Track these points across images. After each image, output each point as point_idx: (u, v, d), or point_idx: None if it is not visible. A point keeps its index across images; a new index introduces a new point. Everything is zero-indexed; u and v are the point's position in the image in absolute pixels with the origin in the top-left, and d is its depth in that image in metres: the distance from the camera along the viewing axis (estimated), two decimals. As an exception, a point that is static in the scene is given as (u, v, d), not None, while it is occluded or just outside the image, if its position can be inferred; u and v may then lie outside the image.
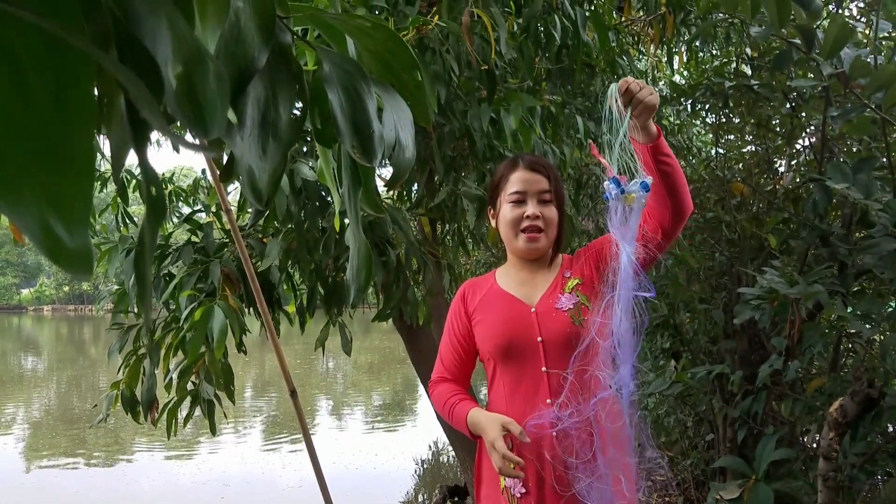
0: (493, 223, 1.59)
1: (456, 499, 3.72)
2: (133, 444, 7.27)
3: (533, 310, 1.46)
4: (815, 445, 2.68)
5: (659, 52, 3.62)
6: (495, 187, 1.55)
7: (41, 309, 54.23)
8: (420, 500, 4.94)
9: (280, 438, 7.48)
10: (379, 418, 8.84)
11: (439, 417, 1.55)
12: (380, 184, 2.66)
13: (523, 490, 1.38)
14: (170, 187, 4.49)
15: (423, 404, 9.02)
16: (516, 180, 1.50)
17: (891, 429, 2.27)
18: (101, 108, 0.44)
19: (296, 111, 0.53)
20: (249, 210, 2.48)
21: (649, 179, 1.31)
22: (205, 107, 0.35)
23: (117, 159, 0.45)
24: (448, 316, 1.58)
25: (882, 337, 2.30)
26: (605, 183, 1.34)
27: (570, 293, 1.46)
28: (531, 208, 1.48)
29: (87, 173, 0.36)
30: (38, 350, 20.04)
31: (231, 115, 0.44)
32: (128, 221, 3.18)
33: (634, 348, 1.30)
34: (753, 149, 3.82)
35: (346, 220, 0.67)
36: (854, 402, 1.90)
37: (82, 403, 9.61)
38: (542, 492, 1.37)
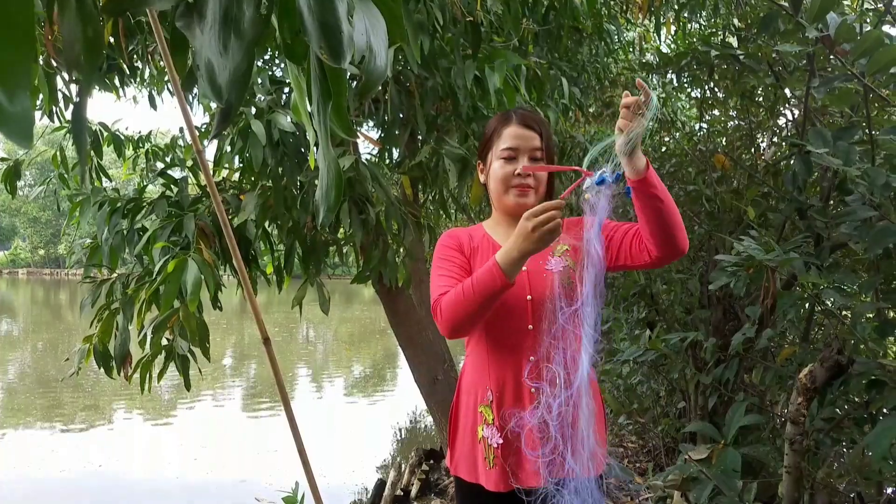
0: (481, 177, 1.58)
1: (431, 461, 3.76)
2: (110, 406, 7.24)
3: (524, 268, 1.45)
4: (783, 414, 2.74)
5: (647, 21, 3.58)
6: (487, 141, 1.53)
7: (16, 272, 53.37)
8: (397, 461, 4.99)
9: (259, 405, 7.50)
10: (359, 388, 8.88)
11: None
12: (363, 142, 2.62)
13: (500, 441, 1.39)
14: (147, 146, 4.41)
15: (403, 373, 9.07)
16: (509, 136, 1.48)
17: (857, 399, 2.32)
18: None
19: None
20: (226, 166, 2.43)
21: (608, 175, 1.26)
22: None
23: (70, 48, 0.43)
24: (441, 251, 1.51)
25: (853, 307, 2.33)
26: (593, 180, 1.28)
27: (559, 257, 1.46)
28: (523, 165, 1.47)
29: (26, 39, 0.34)
30: (13, 313, 19.77)
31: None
32: (101, 175, 3.11)
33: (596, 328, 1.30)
34: (737, 123, 3.84)
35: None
36: (823, 368, 1.93)
37: (58, 367, 9.53)
38: (519, 442, 1.38)
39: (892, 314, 2.37)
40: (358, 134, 2.27)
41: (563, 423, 1.31)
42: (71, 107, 2.75)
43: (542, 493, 1.33)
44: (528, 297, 1.43)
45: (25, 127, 0.32)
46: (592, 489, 1.36)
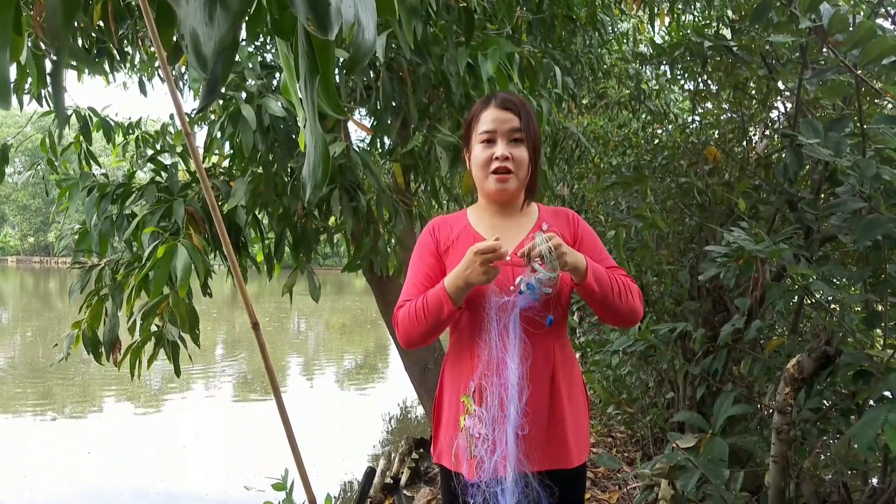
0: (468, 164, 1.57)
1: (421, 450, 3.77)
2: (100, 394, 7.21)
3: (508, 258, 1.44)
4: (770, 405, 2.76)
5: (641, 12, 3.58)
6: (468, 127, 1.52)
7: (5, 260, 53.00)
8: (387, 450, 5.00)
9: (249, 393, 7.49)
10: (350, 378, 8.88)
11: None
12: (355, 129, 2.60)
13: (482, 430, 1.38)
14: (137, 132, 4.37)
15: (394, 363, 9.08)
16: (487, 119, 1.47)
17: (843, 390, 2.34)
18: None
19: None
20: (216, 152, 2.41)
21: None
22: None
23: (52, 17, 0.42)
24: (416, 250, 1.52)
25: (842, 298, 2.35)
26: (521, 279, 1.37)
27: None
28: (500, 148, 1.45)
29: (4, 3, 0.34)
30: (2, 301, 19.64)
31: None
32: (91, 161, 3.08)
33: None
34: (729, 116, 3.84)
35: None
36: (811, 358, 1.94)
37: (47, 354, 9.48)
38: (499, 433, 1.38)
39: (879, 306, 2.39)
40: (349, 118, 2.26)
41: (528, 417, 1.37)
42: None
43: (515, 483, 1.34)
44: (511, 287, 1.42)
45: (2, 88, 0.31)
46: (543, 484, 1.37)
